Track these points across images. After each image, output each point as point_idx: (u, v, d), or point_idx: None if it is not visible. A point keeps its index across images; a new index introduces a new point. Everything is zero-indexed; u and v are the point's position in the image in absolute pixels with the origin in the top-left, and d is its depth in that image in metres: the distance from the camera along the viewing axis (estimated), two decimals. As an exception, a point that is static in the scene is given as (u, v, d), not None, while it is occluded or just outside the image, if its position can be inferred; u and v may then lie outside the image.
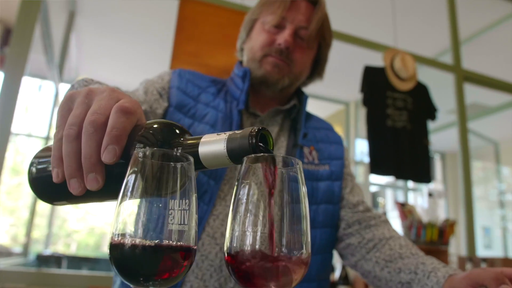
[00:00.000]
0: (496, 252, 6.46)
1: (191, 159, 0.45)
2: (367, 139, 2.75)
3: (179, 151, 0.49)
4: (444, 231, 2.59)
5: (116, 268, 0.42)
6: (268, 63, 1.05)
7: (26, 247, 3.60)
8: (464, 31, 3.69)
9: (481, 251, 6.43)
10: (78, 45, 4.64)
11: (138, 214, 0.41)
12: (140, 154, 0.43)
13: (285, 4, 1.04)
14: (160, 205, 0.42)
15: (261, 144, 0.46)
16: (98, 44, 4.67)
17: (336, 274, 2.43)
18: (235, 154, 0.46)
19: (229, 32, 2.49)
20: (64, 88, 4.60)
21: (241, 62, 1.16)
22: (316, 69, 1.17)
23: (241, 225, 0.42)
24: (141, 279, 0.42)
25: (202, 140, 0.48)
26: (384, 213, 3.62)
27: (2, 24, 4.25)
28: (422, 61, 3.15)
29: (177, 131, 0.52)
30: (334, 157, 1.12)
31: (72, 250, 7.00)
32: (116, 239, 0.41)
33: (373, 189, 6.70)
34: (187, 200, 0.43)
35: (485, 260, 2.48)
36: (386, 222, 1.08)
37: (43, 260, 3.59)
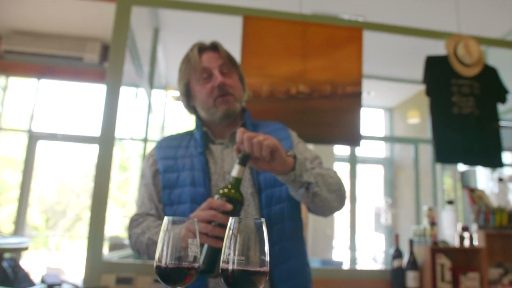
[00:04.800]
0: None
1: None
2: (432, 128, 2.82)
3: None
4: (516, 215, 2.60)
5: (159, 278, 0.77)
6: (221, 103, 1.41)
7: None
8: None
9: None
10: (165, 55, 5.17)
11: (169, 248, 0.76)
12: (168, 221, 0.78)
13: (198, 61, 1.43)
14: (182, 243, 0.77)
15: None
16: (182, 53, 5.13)
17: (404, 260, 2.58)
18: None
19: (289, 42, 2.73)
20: (155, 94, 5.13)
21: (197, 116, 1.51)
22: (243, 85, 1.53)
23: None
24: (173, 282, 0.77)
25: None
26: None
27: (101, 43, 4.93)
28: (490, 43, 3.10)
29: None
30: None
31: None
32: (157, 263, 0.76)
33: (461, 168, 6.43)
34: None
35: None
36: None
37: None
